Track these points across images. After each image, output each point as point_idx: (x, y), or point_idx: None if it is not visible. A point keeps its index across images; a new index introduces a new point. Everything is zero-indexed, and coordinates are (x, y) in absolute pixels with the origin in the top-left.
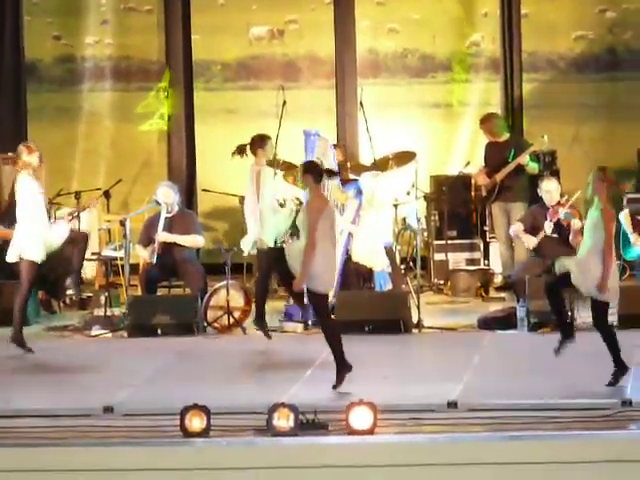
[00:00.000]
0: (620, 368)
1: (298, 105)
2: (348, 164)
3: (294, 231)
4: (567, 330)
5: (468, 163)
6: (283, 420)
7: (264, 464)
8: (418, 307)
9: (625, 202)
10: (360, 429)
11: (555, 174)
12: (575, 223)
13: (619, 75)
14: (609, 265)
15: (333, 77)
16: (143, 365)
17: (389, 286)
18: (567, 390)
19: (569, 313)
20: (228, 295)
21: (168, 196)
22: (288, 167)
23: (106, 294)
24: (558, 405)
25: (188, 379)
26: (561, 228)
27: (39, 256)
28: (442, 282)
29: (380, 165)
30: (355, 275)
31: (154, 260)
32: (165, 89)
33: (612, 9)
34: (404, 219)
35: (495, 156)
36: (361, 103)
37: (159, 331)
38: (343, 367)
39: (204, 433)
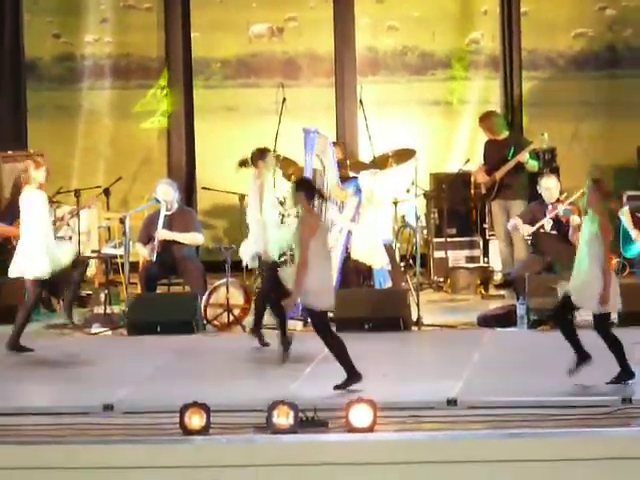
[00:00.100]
0: (627, 373)
1: (298, 103)
2: (347, 162)
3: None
4: (583, 353)
5: (468, 161)
6: (283, 418)
7: (264, 462)
8: (418, 305)
9: (625, 199)
10: (360, 427)
11: (555, 171)
12: (574, 219)
13: (619, 73)
14: (609, 277)
15: (333, 75)
16: (143, 363)
17: (389, 284)
18: (567, 387)
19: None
20: (228, 293)
21: (168, 194)
22: (288, 164)
23: (106, 292)
24: (558, 402)
25: (188, 377)
26: (560, 224)
27: (43, 272)
28: (442, 280)
29: (380, 163)
30: (355, 273)
31: (154, 258)
32: (163, 88)
33: (612, 6)
34: (403, 217)
35: (495, 154)
36: (361, 101)
37: (159, 329)
38: (353, 376)
39: (204, 431)
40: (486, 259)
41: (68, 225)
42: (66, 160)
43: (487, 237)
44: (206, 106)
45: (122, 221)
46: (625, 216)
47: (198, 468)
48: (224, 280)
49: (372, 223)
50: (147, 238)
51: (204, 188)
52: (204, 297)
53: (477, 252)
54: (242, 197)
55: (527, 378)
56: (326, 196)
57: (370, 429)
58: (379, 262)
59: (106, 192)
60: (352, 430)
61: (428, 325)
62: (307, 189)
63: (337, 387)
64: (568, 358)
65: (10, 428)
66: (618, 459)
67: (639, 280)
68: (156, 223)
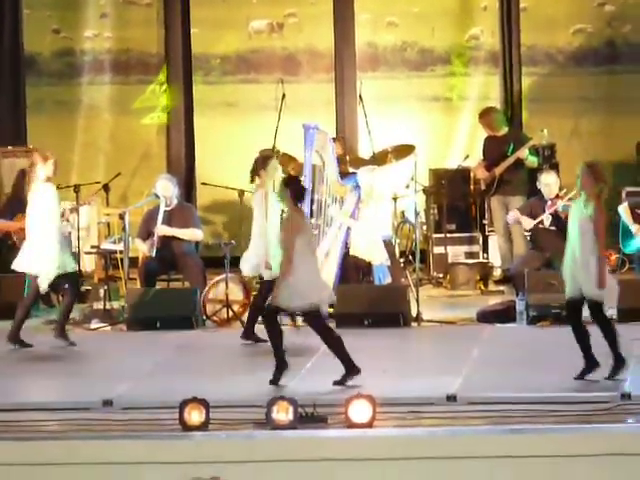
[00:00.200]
0: (618, 361)
1: (297, 98)
2: (347, 157)
3: None
4: (592, 361)
5: (467, 157)
6: (282, 413)
7: (263, 457)
8: (417, 300)
9: (624, 195)
10: (359, 422)
11: (554, 167)
12: None
13: (618, 68)
14: (604, 260)
15: (332, 70)
16: (142, 358)
17: (388, 280)
18: (566, 383)
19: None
20: (227, 288)
21: (167, 189)
22: (288, 159)
23: (105, 287)
24: (557, 398)
25: (187, 372)
26: (559, 220)
27: (49, 277)
28: (441, 275)
29: (379, 158)
30: (354, 269)
31: (153, 253)
32: (163, 83)
33: (611, 2)
34: (403, 212)
35: (494, 150)
36: (360, 96)
37: (158, 324)
38: (352, 370)
39: (203, 426)
40: (485, 255)
41: (68, 221)
42: (65, 155)
43: (486, 233)
44: (206, 102)
45: (121, 217)
46: (624, 212)
47: (198, 464)
48: (223, 276)
49: (371, 219)
50: (146, 234)
51: (203, 184)
52: (203, 293)
53: (476, 248)
54: (242, 192)
55: (527, 374)
56: (305, 197)
57: (369, 425)
58: (378, 258)
59: (105, 188)
60: (351, 426)
61: (427, 321)
62: (294, 188)
63: (336, 383)
64: (568, 354)
65: (10, 424)
66: (617, 455)
67: (639, 276)
68: (155, 219)
